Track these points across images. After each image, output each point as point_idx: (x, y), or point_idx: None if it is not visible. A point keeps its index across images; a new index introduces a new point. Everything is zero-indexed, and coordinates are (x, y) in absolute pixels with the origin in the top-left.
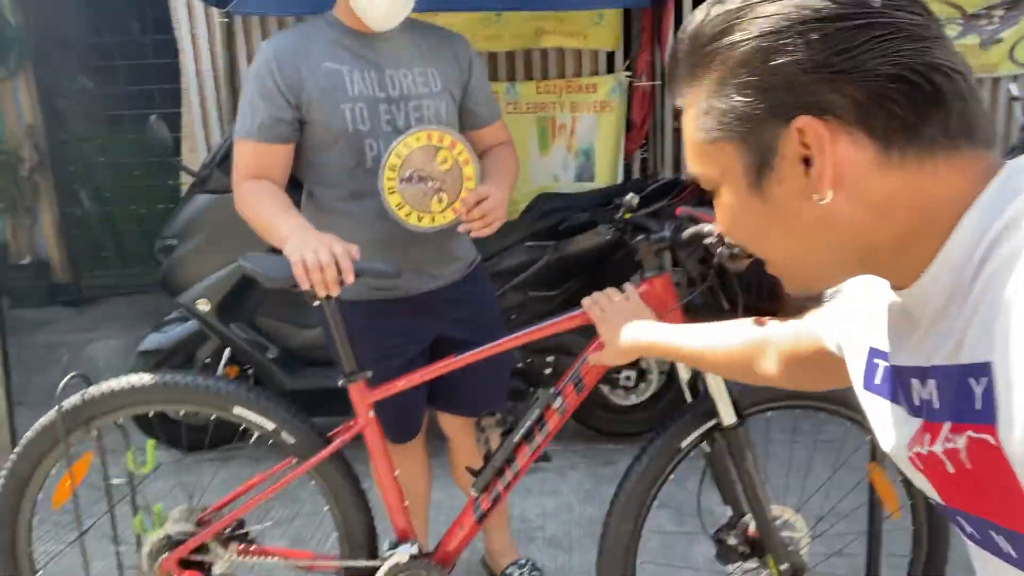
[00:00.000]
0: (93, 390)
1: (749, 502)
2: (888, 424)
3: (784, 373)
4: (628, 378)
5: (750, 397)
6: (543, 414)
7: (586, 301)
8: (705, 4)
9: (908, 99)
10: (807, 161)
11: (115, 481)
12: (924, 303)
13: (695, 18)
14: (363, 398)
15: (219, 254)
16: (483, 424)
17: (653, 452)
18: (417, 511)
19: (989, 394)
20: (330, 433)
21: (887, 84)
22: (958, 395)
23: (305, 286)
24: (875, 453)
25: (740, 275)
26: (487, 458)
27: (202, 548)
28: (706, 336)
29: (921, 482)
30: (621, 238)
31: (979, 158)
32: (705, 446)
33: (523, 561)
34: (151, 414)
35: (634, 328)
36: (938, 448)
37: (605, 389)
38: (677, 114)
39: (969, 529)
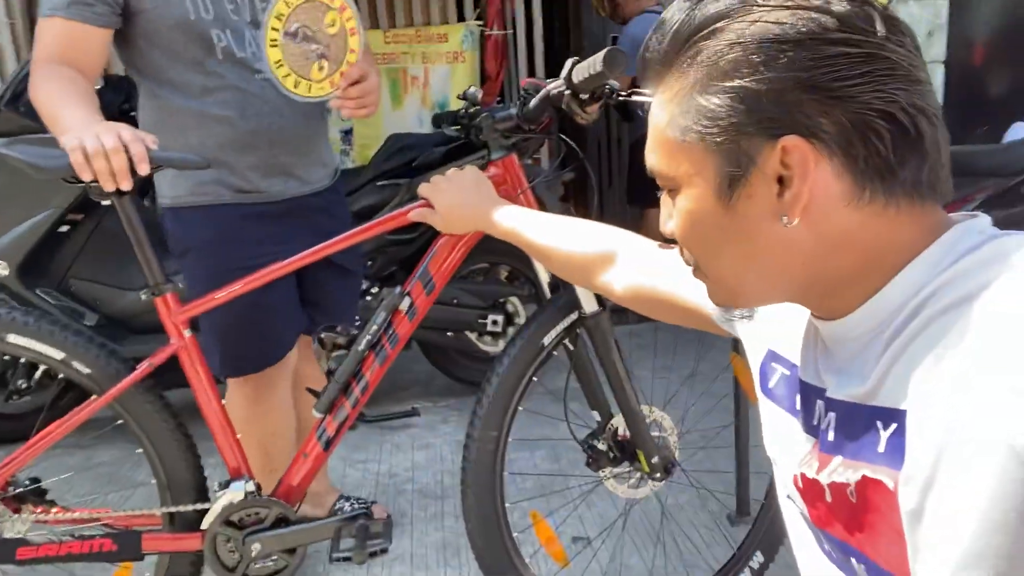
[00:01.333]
0: None
1: (616, 397)
2: (778, 433)
3: (632, 299)
4: (495, 323)
5: None
6: (391, 318)
7: (423, 186)
8: None
9: (893, 139)
10: (780, 181)
11: None
12: (844, 339)
13: (684, 3)
14: (172, 315)
15: (16, 206)
16: (324, 338)
17: (515, 351)
18: (283, 464)
19: (898, 440)
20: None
21: (876, 120)
22: (860, 434)
23: (87, 176)
24: (737, 344)
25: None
26: (330, 374)
27: None
28: (557, 233)
29: (792, 496)
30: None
31: (933, 212)
32: (568, 344)
33: (347, 495)
34: None
35: (500, 210)
36: (823, 478)
37: (472, 336)
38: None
39: (827, 547)
